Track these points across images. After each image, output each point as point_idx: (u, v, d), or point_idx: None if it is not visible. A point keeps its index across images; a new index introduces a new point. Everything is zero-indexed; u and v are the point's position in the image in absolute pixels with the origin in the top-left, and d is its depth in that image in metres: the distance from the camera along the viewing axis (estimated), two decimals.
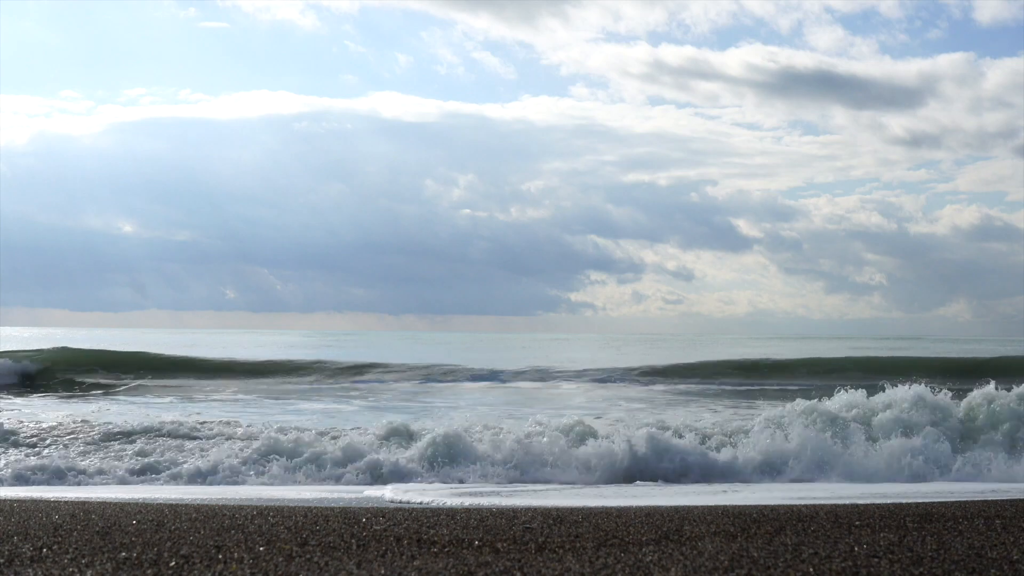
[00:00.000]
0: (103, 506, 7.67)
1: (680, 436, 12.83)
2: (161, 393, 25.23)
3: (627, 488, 11.20)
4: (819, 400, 14.29)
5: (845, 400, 14.32)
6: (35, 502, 8.09)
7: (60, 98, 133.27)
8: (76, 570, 4.80)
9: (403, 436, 13.28)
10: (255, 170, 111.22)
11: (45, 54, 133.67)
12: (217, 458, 12.19)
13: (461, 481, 11.51)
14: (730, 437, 13.23)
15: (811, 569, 4.83)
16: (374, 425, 14.18)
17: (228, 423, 15.46)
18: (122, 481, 11.57)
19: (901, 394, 14.25)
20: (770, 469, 12.10)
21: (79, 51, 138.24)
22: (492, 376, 29.98)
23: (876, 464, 12.23)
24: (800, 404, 14.05)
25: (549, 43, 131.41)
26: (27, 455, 12.70)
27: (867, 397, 14.45)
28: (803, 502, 8.72)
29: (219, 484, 11.44)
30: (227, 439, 13.49)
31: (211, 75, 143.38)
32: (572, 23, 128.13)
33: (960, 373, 25.49)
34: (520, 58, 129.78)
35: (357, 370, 31.63)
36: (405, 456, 12.24)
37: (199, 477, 11.69)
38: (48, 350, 33.84)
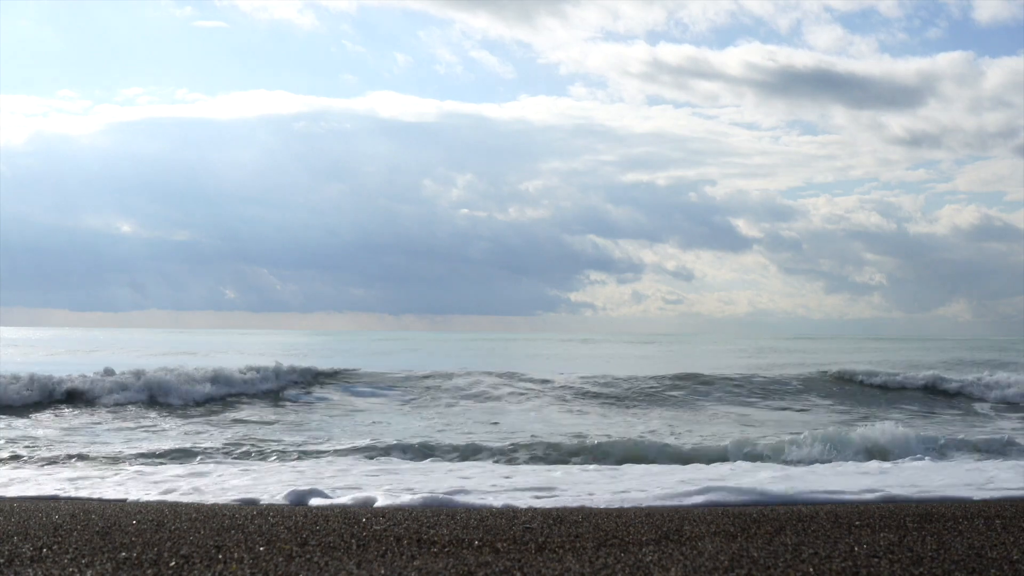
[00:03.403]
0: (103, 506, 7.66)
1: None
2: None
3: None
4: None
5: None
6: (35, 502, 8.08)
7: (57, 98, 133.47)
8: (76, 570, 4.80)
9: None
10: (254, 170, 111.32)
11: (42, 54, 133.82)
12: None
13: None
14: None
15: (811, 569, 4.83)
16: None
17: None
18: None
19: None
20: None
21: (76, 51, 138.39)
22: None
23: None
24: None
25: (548, 42, 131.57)
26: None
27: None
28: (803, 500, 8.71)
29: None
30: None
31: (208, 75, 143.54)
32: (571, 22, 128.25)
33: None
34: (519, 57, 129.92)
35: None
36: None
37: None
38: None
